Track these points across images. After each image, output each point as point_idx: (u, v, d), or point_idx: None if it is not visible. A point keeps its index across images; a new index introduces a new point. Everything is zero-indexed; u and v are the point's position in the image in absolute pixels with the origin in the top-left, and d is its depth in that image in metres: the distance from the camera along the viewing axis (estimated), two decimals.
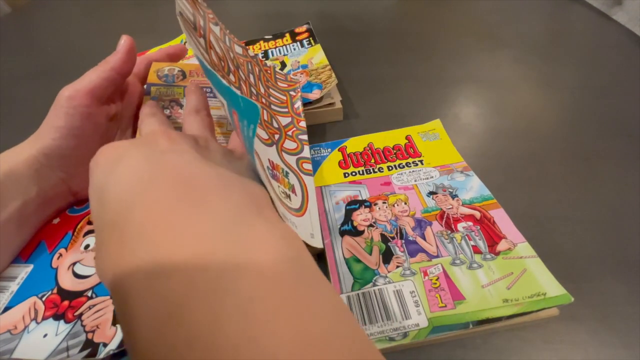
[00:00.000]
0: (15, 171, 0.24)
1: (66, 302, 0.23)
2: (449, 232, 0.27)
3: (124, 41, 0.29)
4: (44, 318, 0.23)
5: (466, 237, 0.27)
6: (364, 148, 0.35)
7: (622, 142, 0.36)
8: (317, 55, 0.44)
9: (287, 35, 0.49)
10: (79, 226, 0.28)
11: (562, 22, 0.56)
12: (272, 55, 0.46)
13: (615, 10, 0.54)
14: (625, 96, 0.41)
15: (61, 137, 0.25)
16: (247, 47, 0.38)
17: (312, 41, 0.47)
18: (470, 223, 0.27)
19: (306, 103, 0.37)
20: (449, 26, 0.54)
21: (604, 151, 0.35)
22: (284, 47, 0.47)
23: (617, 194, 0.21)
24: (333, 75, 0.39)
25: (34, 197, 0.25)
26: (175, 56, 0.35)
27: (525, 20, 0.56)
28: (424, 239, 0.27)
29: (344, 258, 0.26)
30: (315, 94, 0.37)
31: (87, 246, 0.26)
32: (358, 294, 0.24)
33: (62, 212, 0.29)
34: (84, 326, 0.22)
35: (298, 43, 0.47)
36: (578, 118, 0.39)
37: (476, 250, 0.26)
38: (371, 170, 0.33)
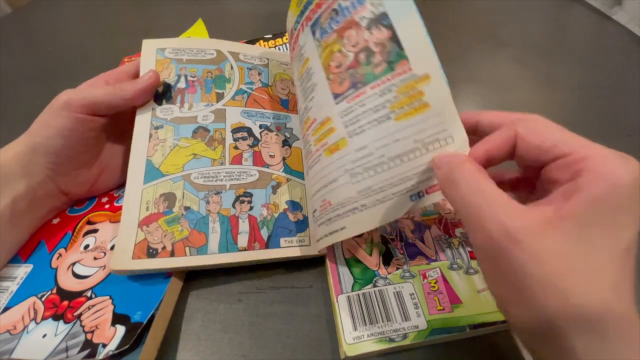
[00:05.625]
0: (2, 167, 0.24)
1: (65, 302, 0.23)
2: (447, 236, 0.27)
3: (150, 76, 0.28)
4: (44, 318, 0.23)
5: (463, 242, 0.27)
6: None
7: (622, 142, 0.35)
8: None
9: (287, 34, 0.49)
10: (78, 226, 0.28)
11: (562, 22, 0.56)
12: None
13: (615, 10, 0.54)
14: (625, 96, 0.41)
15: (50, 136, 0.25)
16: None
17: None
18: None
19: None
20: (448, 26, 0.54)
21: None
22: (284, 45, 0.47)
23: None
24: None
25: (23, 194, 0.25)
26: None
27: (525, 20, 0.55)
28: (423, 242, 0.27)
29: (344, 258, 0.26)
30: None
31: (86, 246, 0.26)
32: (358, 294, 0.24)
33: (60, 212, 0.29)
34: (83, 326, 0.22)
35: None
36: (578, 118, 0.39)
37: (472, 256, 0.26)
38: None
